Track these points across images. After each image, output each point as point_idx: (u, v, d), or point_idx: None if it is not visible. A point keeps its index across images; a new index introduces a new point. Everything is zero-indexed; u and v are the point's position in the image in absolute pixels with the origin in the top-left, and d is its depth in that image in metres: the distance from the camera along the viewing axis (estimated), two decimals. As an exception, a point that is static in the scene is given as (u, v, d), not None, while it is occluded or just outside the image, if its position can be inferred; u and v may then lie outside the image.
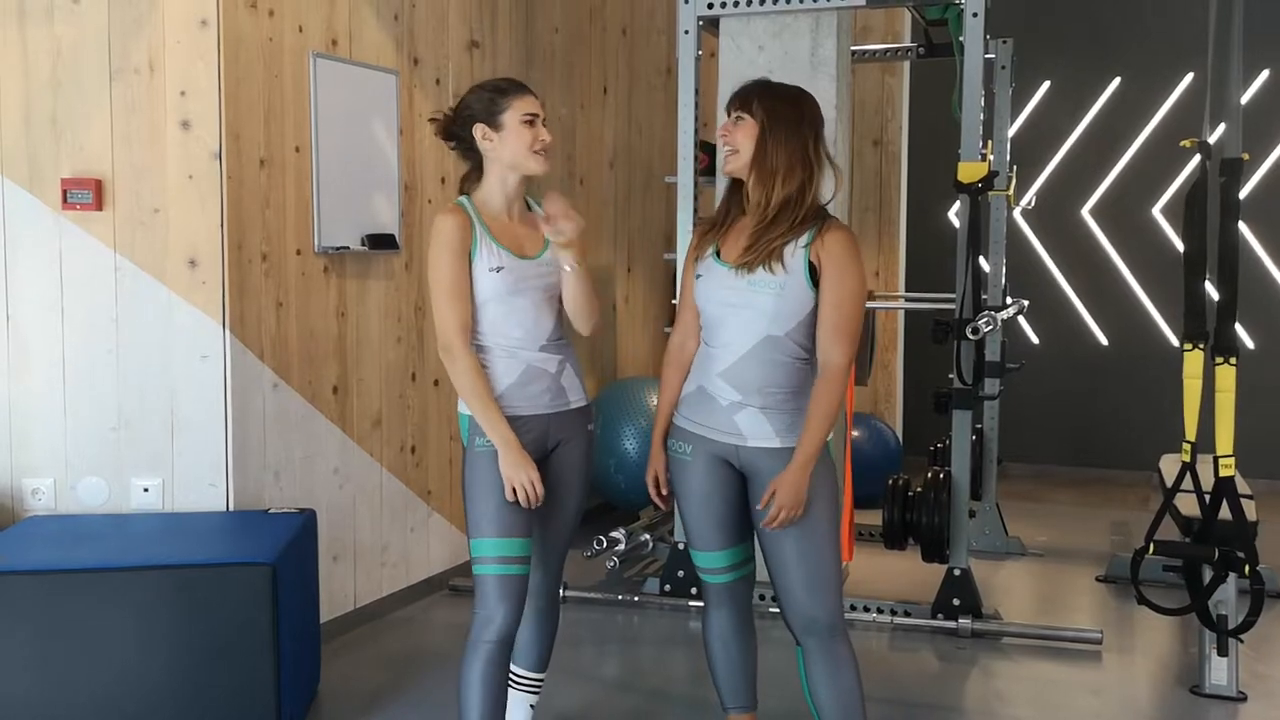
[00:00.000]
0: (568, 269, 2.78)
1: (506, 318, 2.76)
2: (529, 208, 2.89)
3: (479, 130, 2.78)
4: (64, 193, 3.56)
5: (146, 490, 3.66)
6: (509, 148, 2.77)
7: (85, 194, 3.55)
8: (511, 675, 2.98)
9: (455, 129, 2.82)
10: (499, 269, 2.74)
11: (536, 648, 3.02)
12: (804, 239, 2.64)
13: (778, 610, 2.90)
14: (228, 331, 3.65)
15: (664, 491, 2.86)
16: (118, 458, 3.65)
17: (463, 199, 2.82)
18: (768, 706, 3.03)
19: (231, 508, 3.68)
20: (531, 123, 2.78)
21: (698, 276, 2.76)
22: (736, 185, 2.76)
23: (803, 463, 2.60)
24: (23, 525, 3.49)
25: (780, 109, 2.68)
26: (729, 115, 2.74)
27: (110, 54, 3.57)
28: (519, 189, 2.84)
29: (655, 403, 5.46)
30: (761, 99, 2.69)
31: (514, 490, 2.69)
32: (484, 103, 2.79)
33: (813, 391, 2.66)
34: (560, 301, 2.86)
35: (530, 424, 2.79)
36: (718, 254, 2.72)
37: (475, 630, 2.72)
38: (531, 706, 3.06)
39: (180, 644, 3.06)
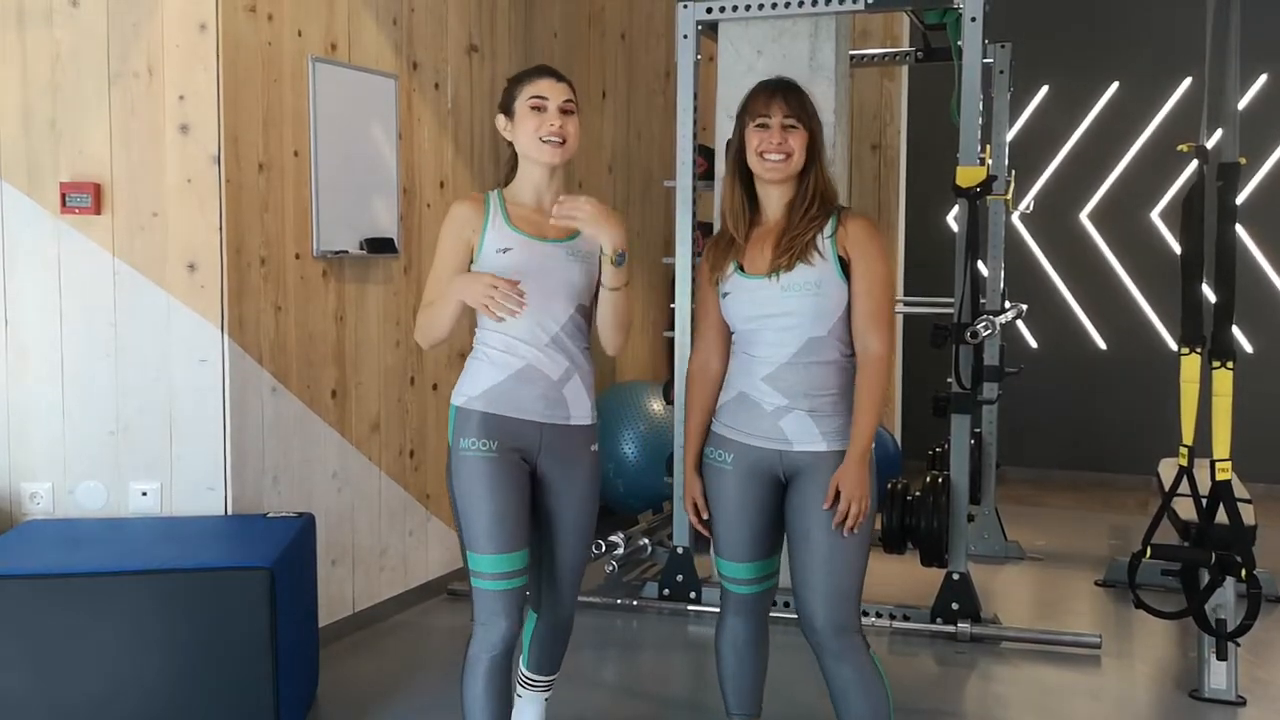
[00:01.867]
0: (607, 255, 2.58)
1: None
2: None
3: (500, 122, 2.71)
4: (63, 196, 3.56)
5: (145, 494, 3.66)
6: (519, 136, 2.67)
7: (84, 198, 3.55)
8: (526, 677, 2.96)
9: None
10: (506, 249, 2.62)
11: (550, 660, 2.95)
12: (827, 229, 2.63)
13: (781, 614, 2.88)
14: (226, 335, 3.65)
15: (704, 516, 2.78)
16: (116, 462, 3.65)
17: (491, 191, 2.72)
18: (769, 712, 3.02)
19: (230, 512, 3.68)
20: (539, 107, 2.63)
21: (724, 295, 2.69)
22: (747, 194, 2.70)
23: (859, 456, 2.59)
24: (21, 529, 3.49)
25: (817, 116, 2.68)
26: (772, 116, 2.63)
27: (109, 58, 3.57)
28: (548, 181, 2.70)
29: (655, 407, 5.54)
30: (806, 107, 2.66)
31: (490, 308, 2.48)
32: (505, 92, 2.71)
33: (857, 383, 2.63)
34: (585, 304, 2.70)
35: (515, 429, 2.64)
36: (741, 269, 2.67)
37: (476, 644, 2.64)
38: (545, 700, 3.02)
39: (178, 648, 3.05)
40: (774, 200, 2.68)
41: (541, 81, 2.66)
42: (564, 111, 2.65)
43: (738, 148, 2.69)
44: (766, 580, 2.78)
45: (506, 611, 2.62)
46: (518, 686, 3.00)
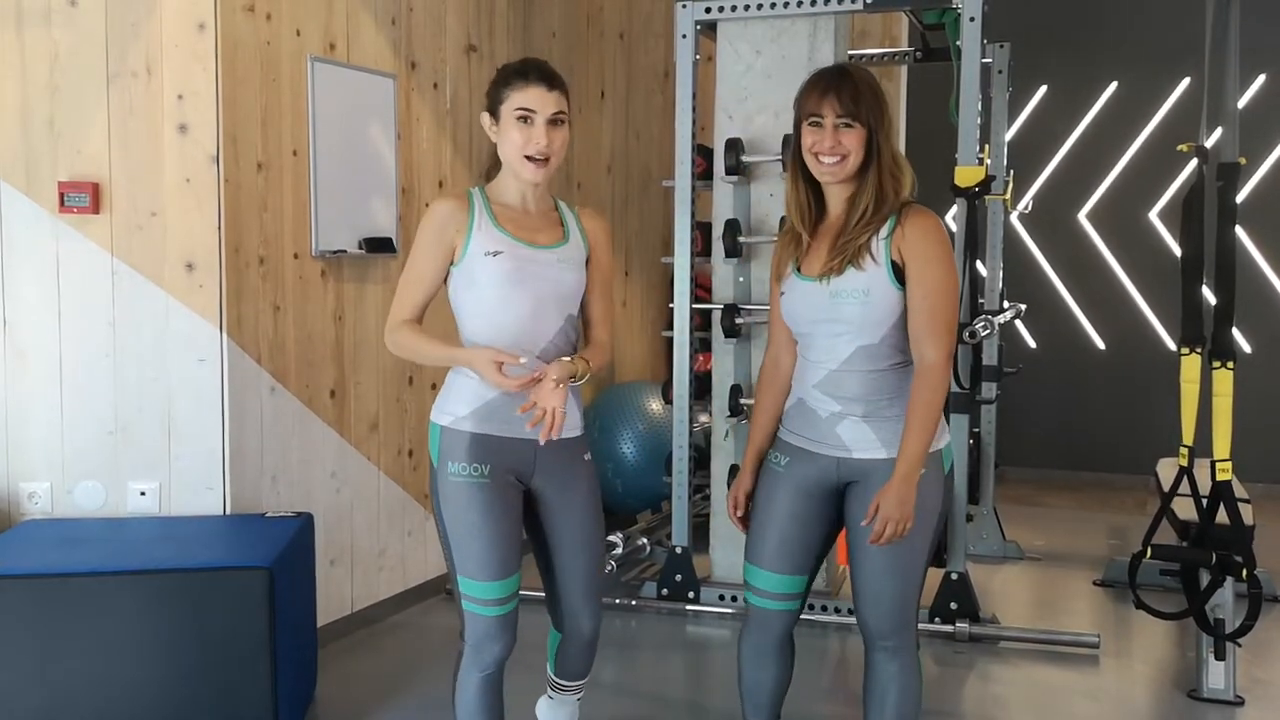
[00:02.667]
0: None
1: (501, 311, 2.50)
2: (556, 206, 2.67)
3: (485, 120, 2.57)
4: (61, 196, 3.55)
5: (143, 494, 3.65)
6: (503, 145, 2.53)
7: (82, 197, 3.55)
8: (554, 682, 2.92)
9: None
10: (496, 253, 2.49)
11: (577, 670, 2.88)
12: (884, 230, 2.47)
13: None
14: (225, 335, 3.65)
15: (741, 513, 2.69)
16: (114, 461, 3.65)
17: (473, 188, 2.59)
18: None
19: (228, 511, 3.67)
20: (526, 119, 2.48)
21: (782, 294, 2.59)
22: (811, 191, 2.56)
23: (905, 473, 2.42)
24: (19, 529, 3.48)
25: (878, 102, 2.48)
26: (825, 116, 2.47)
27: (108, 57, 3.57)
28: (535, 186, 2.57)
29: (654, 407, 5.53)
30: (864, 101, 2.46)
31: (503, 386, 2.40)
32: (492, 87, 2.55)
33: (910, 393, 2.48)
34: (574, 312, 2.61)
35: (509, 449, 2.54)
36: (799, 269, 2.55)
37: (467, 663, 2.58)
38: (577, 701, 2.97)
39: (177, 648, 3.05)
40: (836, 197, 2.54)
41: (531, 91, 2.48)
42: (553, 123, 2.50)
43: (796, 142, 2.54)
44: (791, 600, 2.65)
45: (499, 635, 2.56)
46: (548, 689, 2.96)
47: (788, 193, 2.60)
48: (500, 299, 2.52)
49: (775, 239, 2.67)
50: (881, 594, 2.56)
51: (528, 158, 2.51)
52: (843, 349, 2.51)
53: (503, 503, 2.54)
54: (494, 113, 2.55)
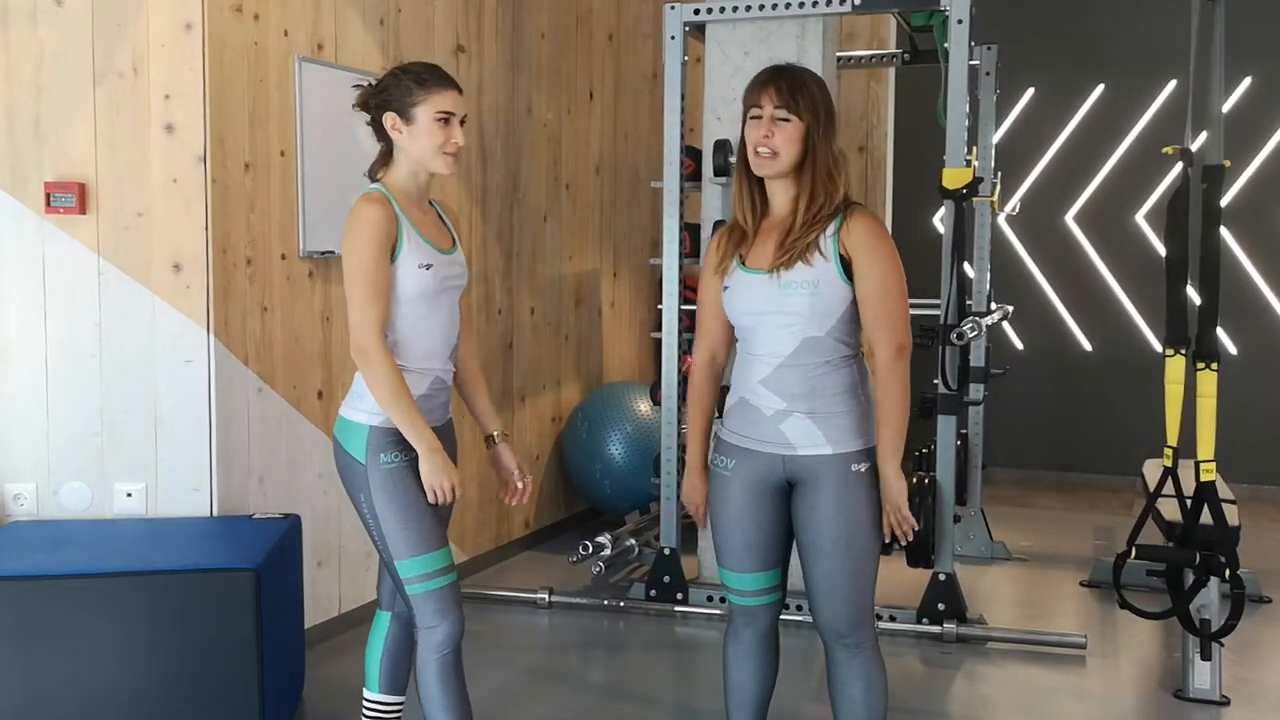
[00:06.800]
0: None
1: (427, 318, 2.66)
2: (430, 203, 2.80)
3: (389, 119, 2.65)
4: (47, 196, 3.54)
5: (130, 495, 3.64)
6: (418, 144, 2.65)
7: (69, 198, 3.54)
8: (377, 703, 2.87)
9: (371, 106, 2.69)
10: (428, 265, 2.63)
11: (405, 675, 2.87)
12: (831, 228, 2.53)
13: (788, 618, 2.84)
14: (212, 336, 3.64)
15: (702, 527, 2.71)
16: (101, 463, 3.64)
17: (380, 187, 2.67)
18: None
19: (215, 513, 3.66)
20: (446, 121, 2.65)
21: (725, 288, 2.62)
22: (755, 186, 2.60)
23: (895, 467, 2.60)
24: (4, 530, 3.47)
25: (820, 101, 2.53)
26: (764, 106, 2.52)
27: (94, 57, 3.56)
28: (428, 183, 2.74)
29: (642, 408, 5.54)
30: (804, 96, 2.51)
31: (435, 493, 2.61)
32: (400, 91, 2.65)
33: (877, 392, 2.59)
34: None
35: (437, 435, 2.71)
36: (743, 262, 2.59)
37: (425, 648, 2.63)
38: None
39: (163, 650, 3.04)
40: (778, 194, 2.58)
41: (449, 94, 2.67)
42: (461, 123, 2.70)
43: (741, 140, 2.60)
44: (771, 593, 2.69)
45: (447, 610, 2.63)
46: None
47: (734, 188, 2.65)
48: (427, 308, 2.67)
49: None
50: (836, 593, 2.58)
51: (446, 153, 2.67)
52: (789, 341, 2.54)
53: (420, 482, 2.66)
54: (405, 115, 2.65)
